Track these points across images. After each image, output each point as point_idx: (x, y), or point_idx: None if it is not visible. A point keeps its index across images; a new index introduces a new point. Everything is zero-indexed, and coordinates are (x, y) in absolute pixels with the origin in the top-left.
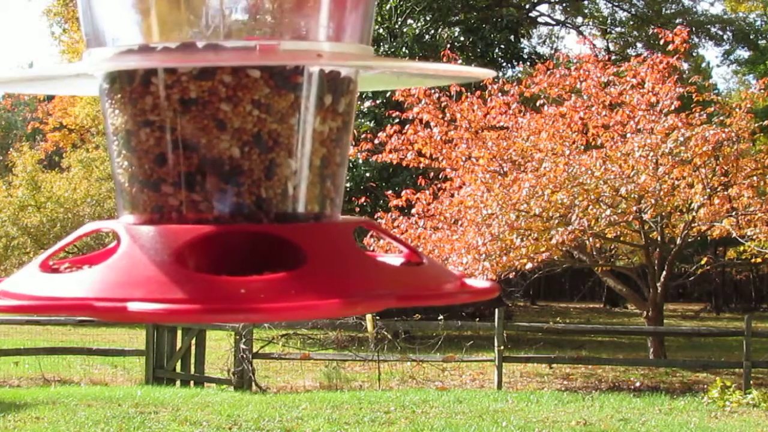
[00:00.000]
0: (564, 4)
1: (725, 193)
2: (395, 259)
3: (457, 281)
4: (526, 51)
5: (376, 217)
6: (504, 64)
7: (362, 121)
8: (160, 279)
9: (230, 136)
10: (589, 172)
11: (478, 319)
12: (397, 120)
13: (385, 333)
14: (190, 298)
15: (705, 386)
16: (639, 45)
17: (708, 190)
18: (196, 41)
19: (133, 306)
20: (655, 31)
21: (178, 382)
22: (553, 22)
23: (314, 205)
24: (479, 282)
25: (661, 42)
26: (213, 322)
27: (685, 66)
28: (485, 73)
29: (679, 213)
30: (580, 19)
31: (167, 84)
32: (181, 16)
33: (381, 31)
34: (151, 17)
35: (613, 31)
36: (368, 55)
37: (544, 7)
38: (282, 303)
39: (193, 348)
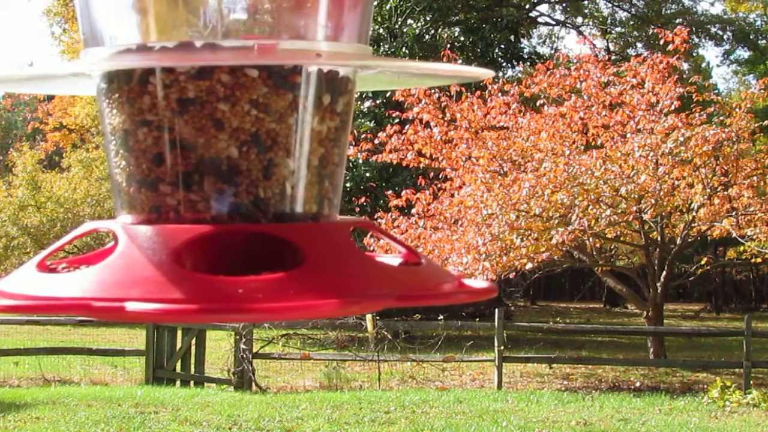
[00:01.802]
0: (564, 4)
1: (725, 193)
2: (394, 260)
3: (455, 281)
4: (526, 51)
5: (376, 217)
6: (504, 64)
7: (362, 121)
8: (157, 279)
9: (228, 136)
10: (589, 172)
11: (478, 319)
12: (397, 120)
13: (385, 333)
14: (187, 297)
15: (705, 386)
16: (639, 45)
17: (708, 190)
18: (194, 41)
19: (131, 306)
20: (655, 31)
21: (178, 382)
22: (553, 22)
23: (312, 205)
24: (477, 282)
25: (661, 42)
26: (211, 322)
27: (685, 66)
28: (484, 73)
29: (679, 213)
30: (580, 19)
31: (165, 83)
32: (179, 15)
33: (381, 31)
34: (149, 16)
35: (613, 31)
36: (367, 55)
37: (544, 7)
38: (280, 303)
39: (193, 348)
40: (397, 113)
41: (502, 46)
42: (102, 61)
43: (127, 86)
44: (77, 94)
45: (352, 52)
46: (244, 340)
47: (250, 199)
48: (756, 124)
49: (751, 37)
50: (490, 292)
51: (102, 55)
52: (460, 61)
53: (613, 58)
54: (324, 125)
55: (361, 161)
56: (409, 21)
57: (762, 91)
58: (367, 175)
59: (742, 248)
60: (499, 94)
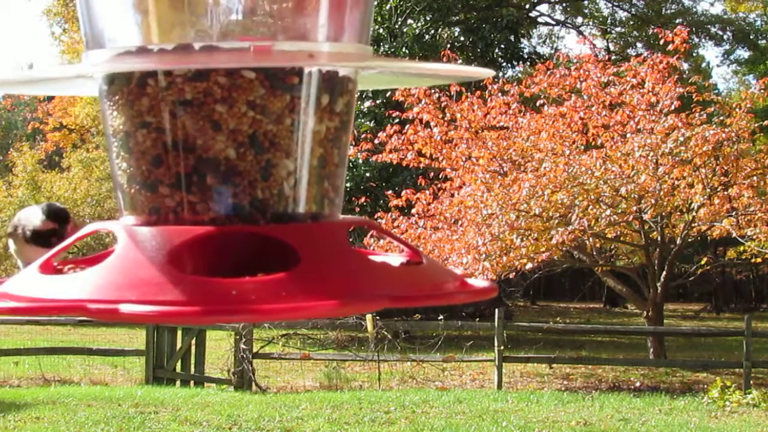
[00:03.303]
0: (564, 4)
1: (725, 193)
2: (396, 259)
3: (457, 281)
4: (526, 51)
5: (376, 217)
6: (504, 64)
7: (362, 121)
8: (153, 280)
9: (226, 137)
10: (589, 172)
11: (478, 319)
12: (397, 120)
13: (385, 333)
14: (181, 300)
15: (705, 386)
16: (639, 45)
17: (708, 190)
18: (193, 42)
19: (125, 308)
20: (655, 31)
21: (178, 382)
22: (553, 22)
23: (312, 206)
24: (479, 282)
25: (661, 42)
26: (205, 324)
27: (685, 66)
28: (484, 73)
29: (679, 213)
30: (580, 19)
31: (163, 85)
32: (178, 17)
33: (381, 31)
34: (149, 19)
35: (613, 31)
36: (366, 55)
37: (544, 7)
38: (272, 304)
39: (193, 348)
40: (397, 113)
41: (502, 46)
42: (102, 64)
43: (126, 88)
44: (78, 94)
45: (351, 53)
46: (244, 340)
47: (248, 200)
48: (756, 124)
49: (751, 37)
50: (490, 291)
51: (102, 57)
52: (460, 61)
53: (613, 58)
54: (323, 125)
55: (361, 161)
56: (409, 21)
57: (762, 91)
58: (367, 175)
59: (742, 248)
60: (499, 94)
